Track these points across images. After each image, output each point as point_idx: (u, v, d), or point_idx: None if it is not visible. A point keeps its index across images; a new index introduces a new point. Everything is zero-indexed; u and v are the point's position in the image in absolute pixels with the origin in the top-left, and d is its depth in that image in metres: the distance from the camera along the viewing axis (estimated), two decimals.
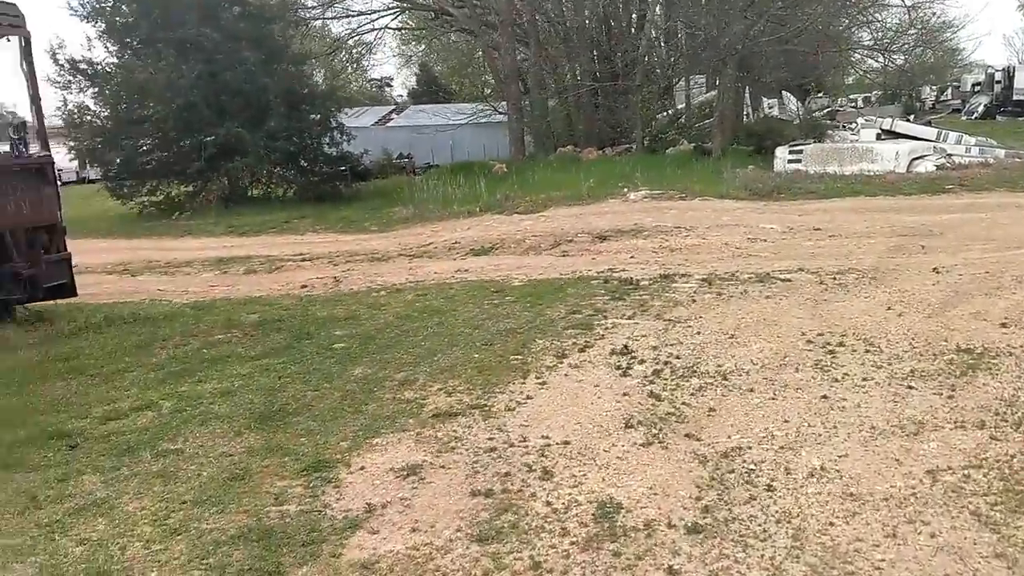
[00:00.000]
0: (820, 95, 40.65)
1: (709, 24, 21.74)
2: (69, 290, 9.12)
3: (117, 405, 5.93)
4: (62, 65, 21.24)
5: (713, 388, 5.51)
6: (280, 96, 21.65)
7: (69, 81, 21.60)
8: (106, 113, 21.31)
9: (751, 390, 5.44)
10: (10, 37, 8.68)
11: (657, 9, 24.35)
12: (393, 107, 45.73)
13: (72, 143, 21.96)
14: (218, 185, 22.32)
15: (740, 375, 5.73)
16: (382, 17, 31.08)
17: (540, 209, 16.43)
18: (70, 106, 21.42)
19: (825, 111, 36.51)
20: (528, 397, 5.56)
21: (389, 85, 62.77)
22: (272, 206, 21.68)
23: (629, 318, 7.35)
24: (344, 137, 23.74)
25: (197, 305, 9.57)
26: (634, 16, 24.84)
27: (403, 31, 33.95)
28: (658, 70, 25.86)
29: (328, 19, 31.14)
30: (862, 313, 7.15)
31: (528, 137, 28.04)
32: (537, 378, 5.92)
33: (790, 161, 19.29)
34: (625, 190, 17.30)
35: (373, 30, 31.69)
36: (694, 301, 7.92)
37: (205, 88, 21.15)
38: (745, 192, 16.37)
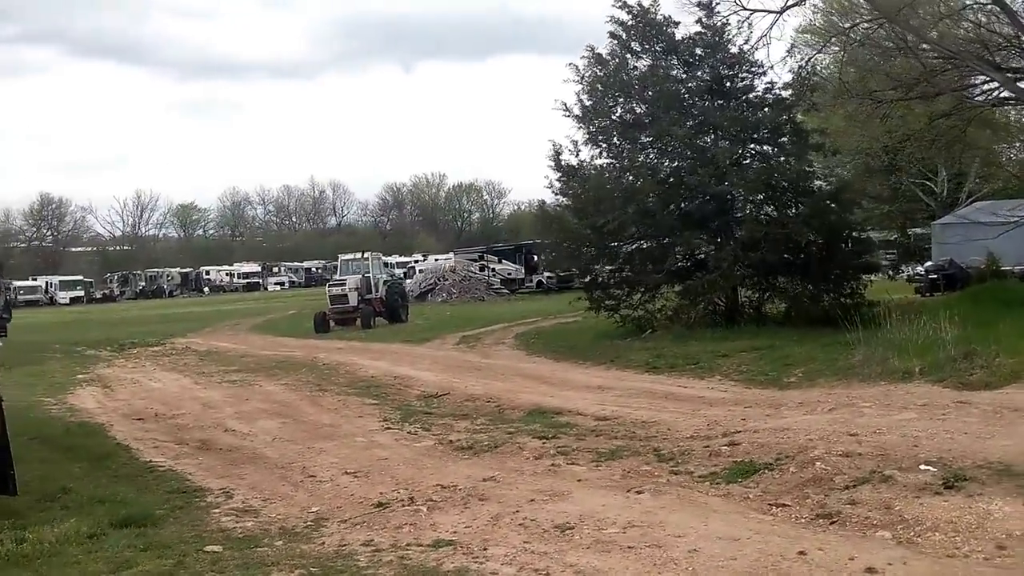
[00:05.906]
0: None
1: None
2: None
3: None
4: (561, 170, 20.54)
5: None
6: (756, 197, 17.43)
7: (569, 185, 20.79)
8: (575, 221, 19.78)
9: None
10: None
11: None
12: None
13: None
14: (704, 300, 18.71)
15: None
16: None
17: (994, 384, 9.60)
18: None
19: None
20: None
21: None
22: (751, 331, 17.04)
23: None
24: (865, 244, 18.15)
25: None
26: None
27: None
28: None
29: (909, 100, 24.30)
30: None
31: None
32: None
33: None
34: None
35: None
36: None
37: (667, 192, 18.25)
38: None
